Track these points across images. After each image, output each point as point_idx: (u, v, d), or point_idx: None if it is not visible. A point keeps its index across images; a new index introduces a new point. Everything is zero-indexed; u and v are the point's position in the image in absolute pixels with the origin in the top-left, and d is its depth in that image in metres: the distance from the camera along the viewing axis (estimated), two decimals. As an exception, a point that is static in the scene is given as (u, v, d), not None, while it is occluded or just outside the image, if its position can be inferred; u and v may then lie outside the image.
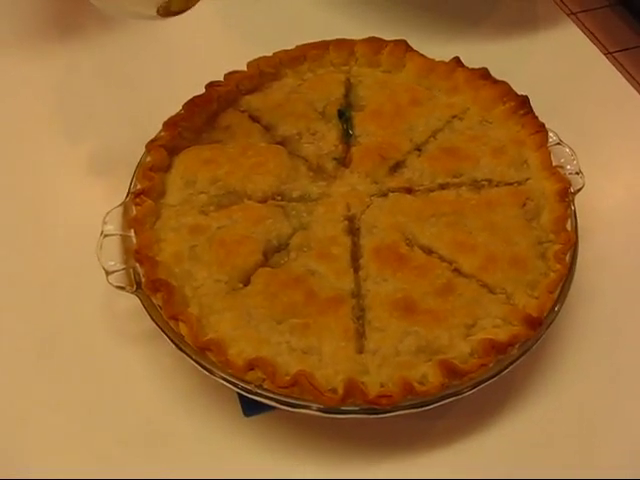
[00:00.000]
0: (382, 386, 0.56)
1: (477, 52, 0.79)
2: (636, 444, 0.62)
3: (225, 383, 0.57)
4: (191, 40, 0.92)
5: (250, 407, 0.62)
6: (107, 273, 0.62)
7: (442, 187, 0.69)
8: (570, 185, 0.68)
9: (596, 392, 0.65)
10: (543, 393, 0.64)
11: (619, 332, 0.68)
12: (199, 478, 0.59)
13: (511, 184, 0.69)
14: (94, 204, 0.67)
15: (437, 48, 0.79)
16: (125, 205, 0.66)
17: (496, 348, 0.57)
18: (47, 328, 0.68)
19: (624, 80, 0.90)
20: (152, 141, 0.70)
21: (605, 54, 0.96)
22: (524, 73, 0.77)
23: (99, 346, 0.66)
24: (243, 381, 0.56)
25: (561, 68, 0.92)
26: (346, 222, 0.66)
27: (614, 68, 0.92)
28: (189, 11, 0.66)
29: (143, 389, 0.64)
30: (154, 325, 0.60)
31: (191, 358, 0.58)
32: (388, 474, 0.60)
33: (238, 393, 0.62)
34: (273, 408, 0.60)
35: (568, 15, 1.03)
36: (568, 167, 0.70)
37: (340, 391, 0.55)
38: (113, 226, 0.64)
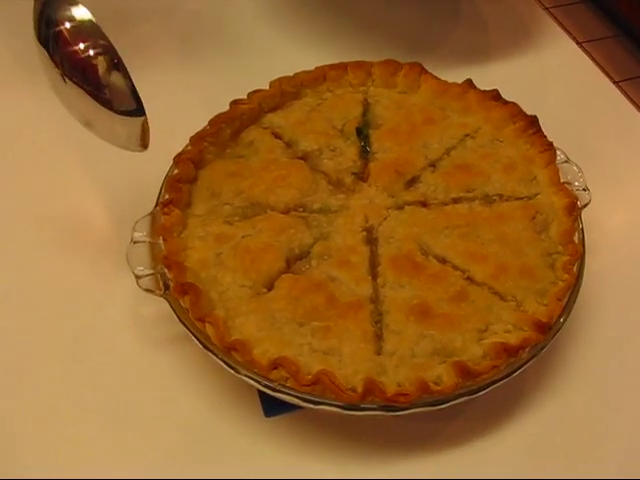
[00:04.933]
0: (399, 385, 0.58)
1: (489, 75, 0.83)
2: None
3: (249, 381, 0.59)
4: (217, 59, 0.96)
5: (271, 408, 0.65)
6: (137, 277, 0.64)
7: (455, 201, 0.72)
8: (577, 200, 0.70)
9: (602, 395, 0.67)
10: (551, 397, 0.66)
11: (623, 339, 0.71)
12: (221, 478, 0.61)
13: (521, 199, 0.72)
14: (124, 213, 0.69)
15: (450, 71, 0.82)
16: (154, 214, 0.69)
17: (507, 351, 0.59)
18: (77, 331, 0.70)
19: (629, 103, 0.94)
20: (179, 155, 0.73)
21: (610, 83, 0.99)
22: (534, 96, 0.80)
23: (127, 348, 0.69)
24: (267, 379, 0.58)
25: (568, 91, 0.96)
26: (364, 233, 0.69)
27: (619, 92, 0.95)
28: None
29: (168, 390, 0.66)
30: (180, 328, 0.62)
31: (218, 357, 0.60)
32: (404, 473, 0.62)
33: (260, 394, 0.64)
34: (293, 409, 0.62)
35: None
36: (575, 184, 0.73)
37: (359, 390, 0.57)
38: (142, 234, 0.67)
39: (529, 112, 0.77)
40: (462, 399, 0.58)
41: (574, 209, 0.69)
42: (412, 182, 0.74)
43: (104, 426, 0.65)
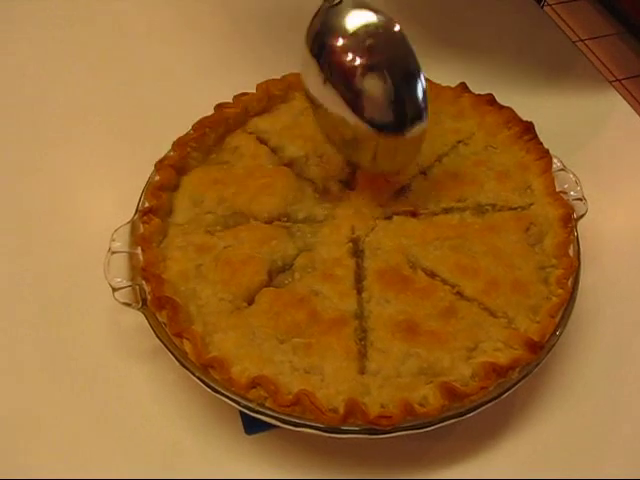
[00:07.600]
0: (383, 407, 0.56)
1: (483, 79, 0.80)
2: (636, 467, 0.62)
3: (227, 401, 0.57)
4: (201, 61, 0.94)
5: (251, 425, 0.63)
6: (113, 289, 0.62)
7: (446, 211, 0.70)
8: (573, 211, 0.68)
9: (597, 415, 0.65)
10: (544, 416, 0.64)
11: (620, 356, 0.69)
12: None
13: (515, 209, 0.70)
14: (102, 221, 0.67)
15: (444, 74, 0.79)
16: (133, 223, 0.66)
17: (497, 371, 0.57)
18: (54, 343, 0.68)
19: (629, 107, 0.91)
20: (161, 160, 0.71)
21: (613, 81, 0.97)
22: (529, 100, 0.78)
23: (104, 361, 0.67)
24: (245, 399, 0.56)
25: (566, 95, 0.93)
26: (350, 244, 0.67)
27: (619, 95, 0.93)
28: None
29: (146, 405, 0.65)
30: (158, 342, 0.60)
31: (194, 375, 0.58)
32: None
33: (240, 411, 0.62)
34: (274, 427, 0.60)
35: (576, 42, 1.04)
36: (572, 193, 0.70)
37: (341, 411, 0.55)
38: (120, 243, 0.65)
39: (525, 118, 0.75)
40: (448, 422, 0.56)
41: (569, 220, 0.67)
42: (401, 191, 0.71)
43: (79, 437, 0.63)
